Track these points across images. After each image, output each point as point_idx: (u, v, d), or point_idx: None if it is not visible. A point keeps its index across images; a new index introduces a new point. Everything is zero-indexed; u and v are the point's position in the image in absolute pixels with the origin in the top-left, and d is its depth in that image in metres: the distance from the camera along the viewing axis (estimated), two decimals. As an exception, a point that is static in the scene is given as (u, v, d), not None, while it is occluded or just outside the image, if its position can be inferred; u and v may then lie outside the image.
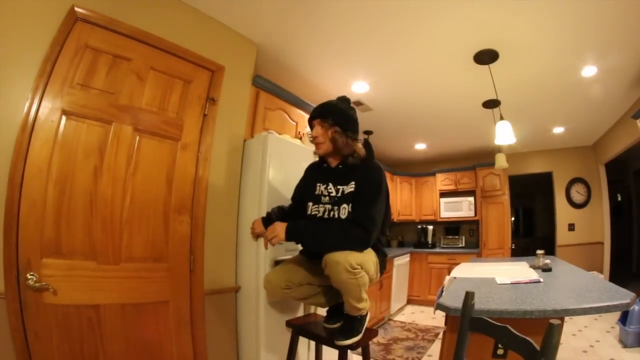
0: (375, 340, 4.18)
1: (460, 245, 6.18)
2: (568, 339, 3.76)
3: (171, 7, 2.26)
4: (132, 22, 2.03)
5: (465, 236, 6.29)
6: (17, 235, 1.64)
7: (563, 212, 5.98)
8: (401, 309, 5.68)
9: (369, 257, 1.71)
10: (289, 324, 2.13)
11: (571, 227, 5.89)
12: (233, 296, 2.38)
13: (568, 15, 2.38)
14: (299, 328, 2.05)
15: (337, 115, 1.79)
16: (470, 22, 2.48)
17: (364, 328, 1.84)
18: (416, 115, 4.40)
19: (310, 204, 1.88)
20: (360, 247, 1.65)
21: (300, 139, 2.65)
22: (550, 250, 5.75)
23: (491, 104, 3.58)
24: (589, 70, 3.11)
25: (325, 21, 2.50)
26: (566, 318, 4.32)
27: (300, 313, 2.45)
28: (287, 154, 2.49)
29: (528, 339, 0.99)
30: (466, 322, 1.28)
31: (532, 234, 9.43)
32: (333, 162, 1.89)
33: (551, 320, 0.91)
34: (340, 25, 2.55)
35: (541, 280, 2.20)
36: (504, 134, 2.99)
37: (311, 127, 1.88)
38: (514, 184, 6.23)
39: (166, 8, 2.23)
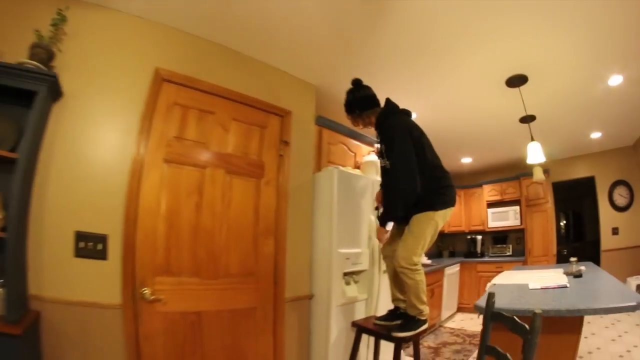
0: (425, 344, 4.49)
1: (508, 254, 6.30)
2: (607, 344, 3.85)
3: (242, 63, 2.72)
4: (211, 80, 2.50)
5: (512, 244, 6.40)
6: (133, 259, 2.11)
7: (607, 216, 5.84)
8: (451, 316, 5.88)
9: (417, 237, 2.16)
10: (354, 324, 2.55)
11: (615, 231, 5.72)
12: (308, 303, 2.84)
13: (589, 31, 2.54)
14: (362, 327, 2.47)
15: (346, 108, 2.38)
16: (500, 54, 2.80)
17: (418, 331, 2.21)
18: (460, 133, 4.73)
19: (380, 159, 2.37)
20: (403, 195, 2.12)
21: (359, 167, 3.08)
22: (596, 255, 5.72)
23: (526, 119, 3.84)
24: (615, 80, 3.27)
25: (374, 62, 2.91)
26: (608, 323, 4.45)
27: (362, 316, 2.86)
28: (350, 183, 2.93)
29: (525, 325, 1.33)
30: (488, 315, 1.65)
31: (583, 238, 9.23)
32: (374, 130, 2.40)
33: (535, 310, 1.28)
34: (384, 63, 2.94)
35: (568, 285, 2.43)
36: (535, 154, 3.33)
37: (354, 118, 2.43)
38: (564, 188, 6.23)
39: (237, 64, 2.69)
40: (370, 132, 2.74)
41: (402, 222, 2.28)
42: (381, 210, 2.40)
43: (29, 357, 1.76)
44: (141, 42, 2.32)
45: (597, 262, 5.15)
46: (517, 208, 6.14)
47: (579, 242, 8.90)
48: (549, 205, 5.91)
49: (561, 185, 6.28)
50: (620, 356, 3.45)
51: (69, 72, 2.03)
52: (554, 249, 5.81)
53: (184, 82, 2.39)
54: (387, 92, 2.68)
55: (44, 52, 1.93)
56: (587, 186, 6.26)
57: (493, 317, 1.61)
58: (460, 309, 6.16)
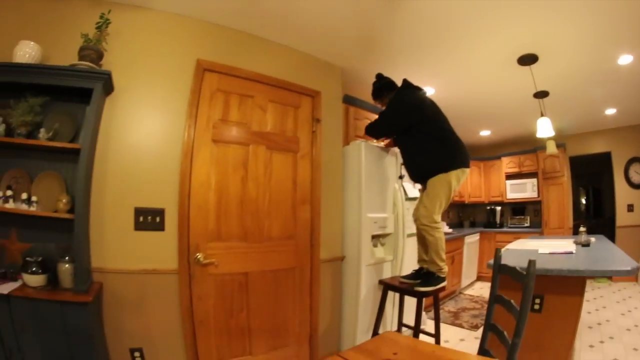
0: (446, 308, 4.80)
1: (526, 225, 6.51)
2: (617, 317, 4.05)
3: (274, 50, 2.96)
4: (248, 67, 2.76)
5: (530, 216, 6.59)
6: (187, 228, 2.43)
7: (622, 193, 5.91)
8: (471, 284, 6.15)
9: (432, 199, 2.49)
10: (381, 282, 2.91)
11: (630, 208, 5.80)
12: (340, 263, 3.18)
13: (599, 12, 2.60)
14: (389, 284, 2.81)
15: (373, 95, 2.93)
16: (511, 34, 2.94)
17: (438, 287, 2.54)
18: (477, 108, 4.92)
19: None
20: (372, 130, 2.88)
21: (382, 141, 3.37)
22: (612, 232, 5.80)
23: (540, 94, 4.00)
24: (625, 59, 3.36)
25: (395, 46, 3.14)
26: (619, 299, 4.70)
27: (388, 276, 3.19)
28: (375, 155, 3.23)
29: (523, 271, 1.56)
30: (496, 267, 1.89)
31: (602, 214, 9.24)
32: None
33: (530, 259, 1.52)
34: (404, 47, 3.15)
35: (574, 252, 2.65)
36: (544, 128, 3.56)
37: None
38: (582, 163, 6.32)
39: (270, 51, 2.93)
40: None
41: (424, 186, 2.63)
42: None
43: (94, 322, 2.08)
44: (181, 37, 2.56)
45: (612, 238, 5.25)
46: (535, 180, 6.29)
47: (598, 218, 8.90)
48: (565, 179, 6.01)
49: (579, 159, 6.36)
50: (628, 329, 3.63)
51: (116, 69, 2.25)
52: (569, 222, 5.94)
53: (223, 71, 2.66)
54: (406, 73, 2.94)
55: (94, 53, 2.19)
56: (604, 162, 6.30)
57: (500, 269, 1.87)
58: (479, 278, 6.40)
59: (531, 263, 1.53)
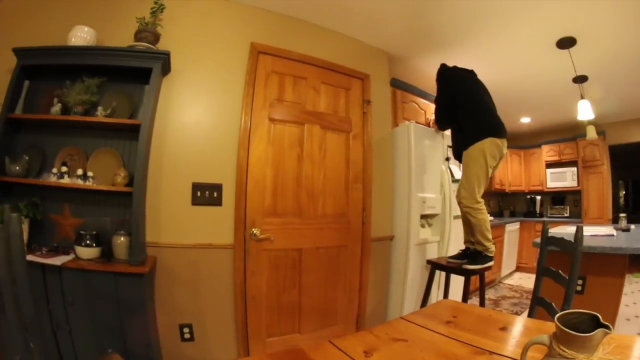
0: (485, 296, 4.78)
1: (566, 215, 6.40)
2: None
3: (324, 35, 3.04)
4: (300, 50, 2.85)
5: (570, 206, 6.47)
6: (245, 204, 2.53)
7: None
8: (510, 274, 6.11)
9: (469, 178, 2.51)
10: (429, 261, 2.95)
11: None
12: (389, 243, 3.26)
13: None
14: (436, 264, 2.86)
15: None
16: (550, 16, 2.89)
17: (485, 266, 2.58)
18: (517, 92, 4.83)
19: None
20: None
21: (429, 124, 3.42)
22: None
23: (579, 79, 3.93)
24: None
25: (439, 32, 3.18)
26: None
27: (435, 257, 3.23)
28: (423, 136, 3.30)
29: (571, 240, 1.61)
30: (544, 239, 1.91)
31: (642, 209, 8.72)
32: None
33: (577, 225, 1.56)
34: (448, 32, 3.18)
35: (614, 235, 2.70)
36: (584, 111, 3.55)
37: None
38: (623, 153, 6.13)
39: (320, 36, 3.02)
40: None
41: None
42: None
43: (148, 295, 2.14)
44: (234, 21, 2.67)
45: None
46: (575, 169, 6.18)
47: (638, 212, 8.49)
48: (605, 168, 5.89)
49: (619, 149, 6.16)
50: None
51: (172, 52, 2.31)
52: (609, 213, 5.80)
53: (277, 53, 2.76)
54: (448, 58, 2.98)
55: (151, 35, 2.28)
56: (646, 153, 6.08)
57: (547, 241, 1.90)
58: (518, 268, 6.36)
59: (579, 229, 1.58)
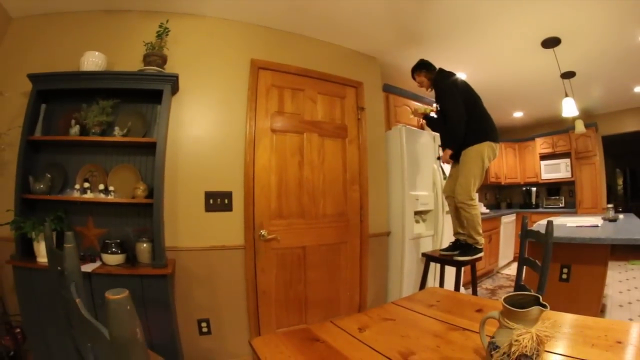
0: (483, 286, 5.02)
1: (561, 206, 6.59)
2: None
3: (319, 47, 3.23)
4: (297, 64, 3.05)
5: (565, 197, 6.66)
6: (253, 208, 2.76)
7: None
8: (507, 264, 6.27)
9: (466, 176, 2.68)
10: (424, 254, 3.18)
11: None
12: (386, 238, 3.49)
13: None
14: (431, 256, 3.08)
15: (420, 66, 2.98)
16: (534, 18, 3.03)
17: (474, 258, 2.80)
18: (507, 90, 5.03)
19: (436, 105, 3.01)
20: (454, 135, 2.76)
21: (422, 127, 3.64)
22: None
23: (566, 75, 4.12)
24: None
25: (426, 36, 3.35)
26: None
27: (430, 250, 3.45)
28: (415, 138, 3.53)
29: (543, 233, 1.82)
30: (523, 232, 2.11)
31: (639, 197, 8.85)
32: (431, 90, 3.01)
33: (548, 219, 1.76)
34: (434, 36, 3.34)
35: (599, 225, 2.86)
36: (569, 108, 3.76)
37: (414, 79, 3.04)
38: (617, 142, 6.23)
39: (315, 48, 3.20)
40: (430, 95, 3.24)
41: (456, 162, 2.85)
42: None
43: (170, 292, 2.35)
44: (234, 39, 2.86)
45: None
46: (568, 160, 6.33)
47: (636, 200, 8.75)
48: (598, 159, 6.02)
49: (613, 139, 6.30)
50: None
51: (178, 72, 2.49)
52: (603, 203, 5.92)
53: (275, 68, 2.97)
54: (437, 60, 3.10)
55: (160, 58, 2.49)
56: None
57: (527, 234, 2.10)
58: (515, 259, 6.37)
59: (549, 223, 1.77)
